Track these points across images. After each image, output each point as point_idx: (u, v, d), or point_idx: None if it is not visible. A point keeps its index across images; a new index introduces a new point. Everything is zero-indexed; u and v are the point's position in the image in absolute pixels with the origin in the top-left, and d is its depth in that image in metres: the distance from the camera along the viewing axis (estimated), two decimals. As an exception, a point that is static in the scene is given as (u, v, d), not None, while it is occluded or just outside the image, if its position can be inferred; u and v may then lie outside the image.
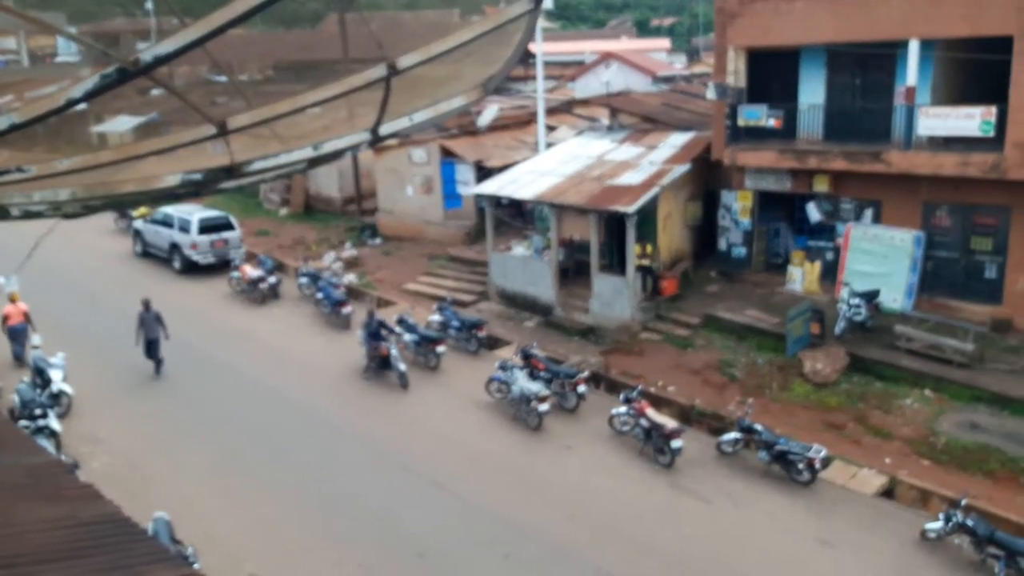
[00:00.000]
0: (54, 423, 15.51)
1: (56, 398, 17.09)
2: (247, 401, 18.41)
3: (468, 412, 17.89)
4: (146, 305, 19.15)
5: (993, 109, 17.46)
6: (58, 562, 3.96)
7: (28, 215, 5.12)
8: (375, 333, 18.91)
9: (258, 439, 16.78)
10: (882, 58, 19.51)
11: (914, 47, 18.34)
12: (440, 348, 19.70)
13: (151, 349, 19.30)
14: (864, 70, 20.50)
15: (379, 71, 5.15)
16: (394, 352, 18.70)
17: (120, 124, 30.49)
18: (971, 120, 17.79)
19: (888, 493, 14.65)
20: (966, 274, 19.37)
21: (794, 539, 13.56)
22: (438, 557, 13.12)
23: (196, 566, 11.07)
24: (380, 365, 18.97)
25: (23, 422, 15.02)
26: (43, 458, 5.55)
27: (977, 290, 19.13)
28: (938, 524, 12.98)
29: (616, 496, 14.80)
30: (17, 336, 19.84)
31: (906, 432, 16.01)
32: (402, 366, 18.63)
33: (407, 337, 19.84)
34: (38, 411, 15.37)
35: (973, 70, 19.08)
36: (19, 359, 19.79)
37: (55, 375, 17.41)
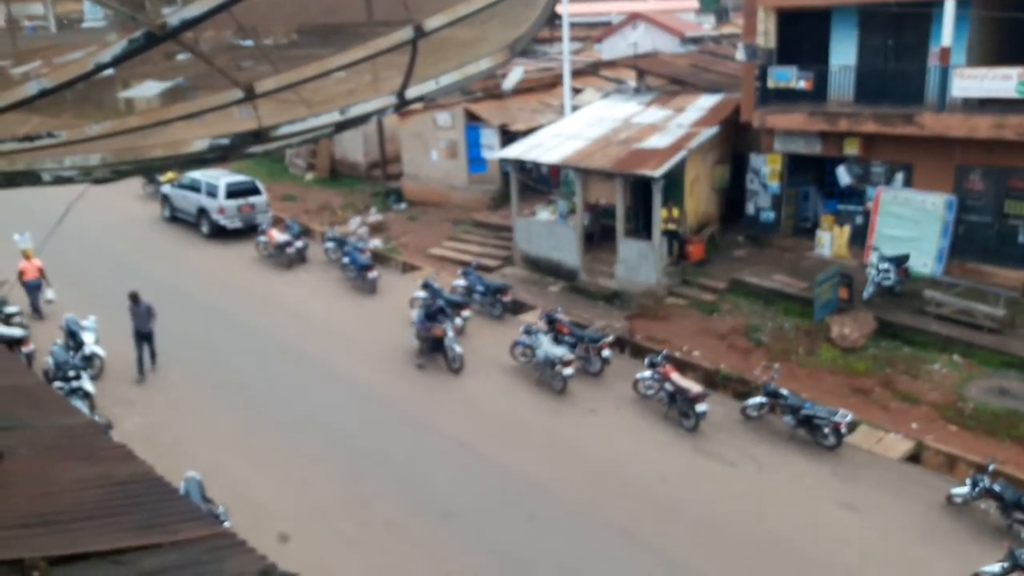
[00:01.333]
0: (88, 385, 15.80)
1: (89, 360, 17.40)
2: (275, 364, 18.62)
3: (493, 376, 17.99)
4: (134, 298, 17.88)
5: (1030, 69, 17.08)
6: (93, 520, 4.04)
7: (59, 180, 5.16)
8: (433, 315, 18.49)
9: (286, 401, 17.00)
10: (916, 18, 19.05)
11: (949, 6, 17.89)
12: (465, 312, 19.75)
13: (142, 341, 17.98)
14: (897, 30, 20.05)
15: (405, 33, 5.09)
16: (450, 334, 18.13)
17: (147, 89, 30.50)
18: (1008, 81, 17.40)
19: (914, 458, 14.61)
20: (999, 239, 19.06)
21: (818, 503, 13.59)
22: (464, 517, 13.30)
23: (227, 524, 11.28)
24: (432, 347, 18.33)
25: (57, 383, 15.33)
26: (78, 419, 5.65)
27: (1010, 255, 18.83)
28: (964, 489, 12.94)
29: (640, 459, 14.88)
30: (32, 291, 20.50)
31: (934, 397, 15.91)
32: (458, 348, 18.02)
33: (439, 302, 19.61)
34: (72, 373, 15.67)
35: (1011, 29, 18.61)
36: (36, 311, 20.53)
37: (87, 338, 17.72)
